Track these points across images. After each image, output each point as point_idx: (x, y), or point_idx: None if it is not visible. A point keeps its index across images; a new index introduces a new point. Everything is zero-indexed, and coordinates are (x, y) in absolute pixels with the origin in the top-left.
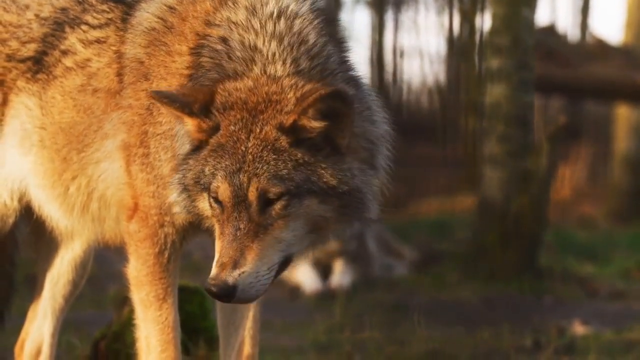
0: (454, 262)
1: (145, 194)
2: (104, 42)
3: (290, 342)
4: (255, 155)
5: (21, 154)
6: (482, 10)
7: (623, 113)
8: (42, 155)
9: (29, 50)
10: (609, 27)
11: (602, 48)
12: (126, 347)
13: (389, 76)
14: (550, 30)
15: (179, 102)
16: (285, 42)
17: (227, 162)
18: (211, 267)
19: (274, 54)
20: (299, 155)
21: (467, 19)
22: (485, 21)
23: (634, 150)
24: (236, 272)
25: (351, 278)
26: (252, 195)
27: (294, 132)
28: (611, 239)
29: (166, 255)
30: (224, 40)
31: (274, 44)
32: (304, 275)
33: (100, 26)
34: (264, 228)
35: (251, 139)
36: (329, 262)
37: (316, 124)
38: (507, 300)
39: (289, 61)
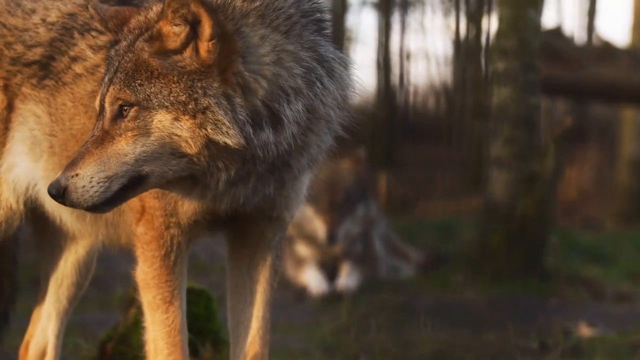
0: (459, 264)
1: (150, 195)
2: None
3: (296, 344)
4: (121, 66)
5: (32, 160)
6: (489, 12)
7: (629, 115)
8: (53, 162)
9: (35, 54)
10: (616, 29)
11: (608, 50)
12: (132, 349)
13: (395, 78)
14: (557, 32)
15: (102, 15)
16: None
17: (106, 75)
18: (216, 268)
19: None
20: (155, 66)
21: (474, 21)
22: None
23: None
24: (70, 174)
25: (357, 280)
26: (107, 102)
27: (158, 41)
28: (617, 240)
29: (172, 258)
30: None
31: None
32: (310, 277)
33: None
34: (111, 137)
35: (128, 52)
36: (335, 264)
37: (176, 29)
38: (512, 302)
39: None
